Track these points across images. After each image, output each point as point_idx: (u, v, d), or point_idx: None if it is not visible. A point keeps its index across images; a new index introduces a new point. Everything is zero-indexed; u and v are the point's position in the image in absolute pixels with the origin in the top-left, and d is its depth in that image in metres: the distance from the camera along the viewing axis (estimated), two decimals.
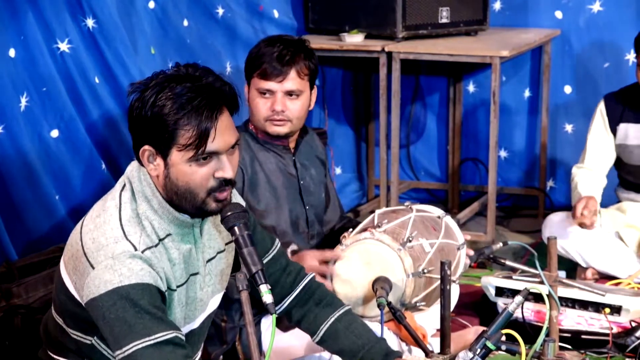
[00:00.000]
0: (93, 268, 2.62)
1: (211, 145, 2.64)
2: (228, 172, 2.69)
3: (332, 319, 3.08)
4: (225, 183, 2.70)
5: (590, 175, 5.02)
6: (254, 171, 3.78)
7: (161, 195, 2.72)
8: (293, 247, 3.80)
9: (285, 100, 3.75)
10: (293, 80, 3.75)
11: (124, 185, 2.76)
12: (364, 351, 2.99)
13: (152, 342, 2.56)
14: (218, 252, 2.91)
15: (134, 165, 2.78)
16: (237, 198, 3.02)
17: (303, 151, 3.97)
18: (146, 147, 2.68)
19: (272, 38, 3.88)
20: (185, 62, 2.77)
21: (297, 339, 3.59)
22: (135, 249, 2.64)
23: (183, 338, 2.64)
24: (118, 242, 2.64)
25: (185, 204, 2.70)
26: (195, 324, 2.89)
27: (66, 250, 2.77)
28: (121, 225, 2.67)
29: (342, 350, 3.06)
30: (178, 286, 2.75)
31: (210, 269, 2.88)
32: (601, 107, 5.04)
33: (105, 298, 2.58)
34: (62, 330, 2.85)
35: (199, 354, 3.06)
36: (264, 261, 3.05)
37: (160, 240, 2.71)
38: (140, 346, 2.56)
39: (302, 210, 3.91)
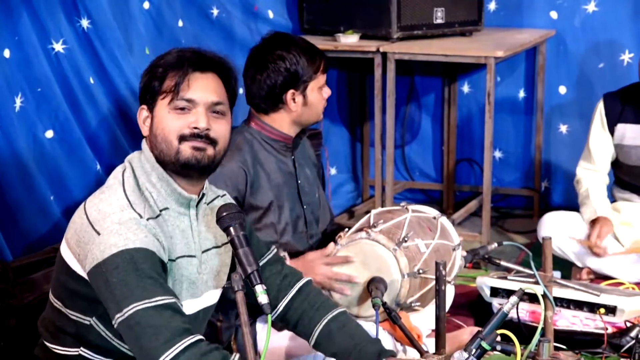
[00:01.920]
0: (99, 234, 2.68)
1: (187, 92, 2.80)
2: (202, 122, 2.80)
3: (326, 320, 3.08)
4: (199, 136, 2.80)
5: (598, 179, 5.01)
6: (256, 171, 3.78)
7: (160, 165, 2.82)
8: (282, 253, 3.78)
9: None
10: None
11: (125, 168, 2.86)
12: (355, 351, 2.99)
13: (152, 304, 2.60)
14: (213, 247, 2.95)
15: (133, 153, 2.91)
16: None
17: (300, 151, 3.99)
18: (142, 106, 2.87)
19: (293, 36, 3.96)
20: None
21: (292, 338, 3.59)
22: (141, 217, 2.73)
23: (182, 308, 2.69)
24: (124, 210, 2.73)
25: (165, 157, 2.81)
26: (185, 308, 2.86)
27: (68, 229, 2.82)
28: (126, 195, 2.77)
29: (335, 352, 3.05)
30: (177, 258, 2.81)
31: (206, 259, 2.92)
32: (600, 107, 5.02)
33: (109, 261, 2.64)
34: (60, 313, 2.87)
35: None
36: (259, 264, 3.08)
37: (160, 212, 2.79)
38: (139, 307, 2.60)
39: (300, 210, 3.92)
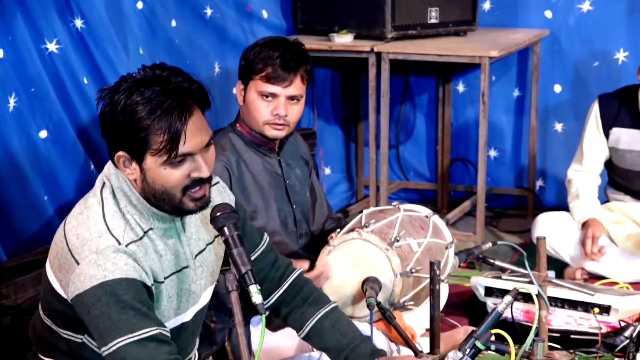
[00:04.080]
0: (78, 264, 2.63)
1: (184, 148, 2.65)
2: (204, 172, 2.70)
3: (318, 317, 3.09)
4: (201, 181, 2.71)
5: (589, 181, 4.99)
6: (240, 172, 3.78)
7: (139, 192, 2.73)
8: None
9: (287, 105, 3.76)
10: (296, 85, 3.77)
11: (104, 183, 2.77)
12: (348, 350, 3.00)
13: (135, 338, 2.57)
14: (207, 244, 2.92)
15: (110, 164, 2.80)
16: (227, 193, 3.04)
17: (287, 151, 3.98)
18: (120, 153, 2.70)
19: (273, 40, 3.86)
20: (173, 63, 2.79)
21: (287, 338, 3.59)
22: (119, 243, 2.65)
23: (168, 334, 2.65)
24: (102, 237, 2.65)
25: (164, 204, 2.72)
26: (187, 316, 2.89)
27: (51, 250, 2.77)
28: (105, 220, 2.69)
29: (327, 348, 3.07)
30: (166, 278, 2.76)
31: (202, 261, 2.89)
32: (595, 109, 4.98)
33: (89, 294, 2.59)
34: (51, 331, 2.85)
35: (195, 351, 3.06)
36: (253, 257, 3.06)
37: (145, 232, 2.73)
38: (123, 343, 2.57)
39: (289, 210, 3.92)
